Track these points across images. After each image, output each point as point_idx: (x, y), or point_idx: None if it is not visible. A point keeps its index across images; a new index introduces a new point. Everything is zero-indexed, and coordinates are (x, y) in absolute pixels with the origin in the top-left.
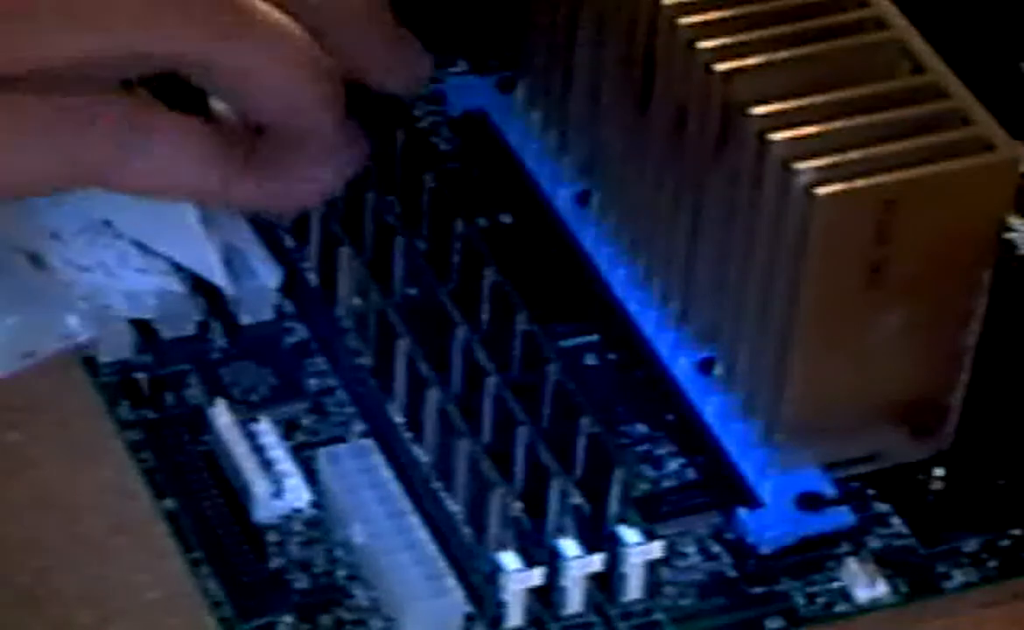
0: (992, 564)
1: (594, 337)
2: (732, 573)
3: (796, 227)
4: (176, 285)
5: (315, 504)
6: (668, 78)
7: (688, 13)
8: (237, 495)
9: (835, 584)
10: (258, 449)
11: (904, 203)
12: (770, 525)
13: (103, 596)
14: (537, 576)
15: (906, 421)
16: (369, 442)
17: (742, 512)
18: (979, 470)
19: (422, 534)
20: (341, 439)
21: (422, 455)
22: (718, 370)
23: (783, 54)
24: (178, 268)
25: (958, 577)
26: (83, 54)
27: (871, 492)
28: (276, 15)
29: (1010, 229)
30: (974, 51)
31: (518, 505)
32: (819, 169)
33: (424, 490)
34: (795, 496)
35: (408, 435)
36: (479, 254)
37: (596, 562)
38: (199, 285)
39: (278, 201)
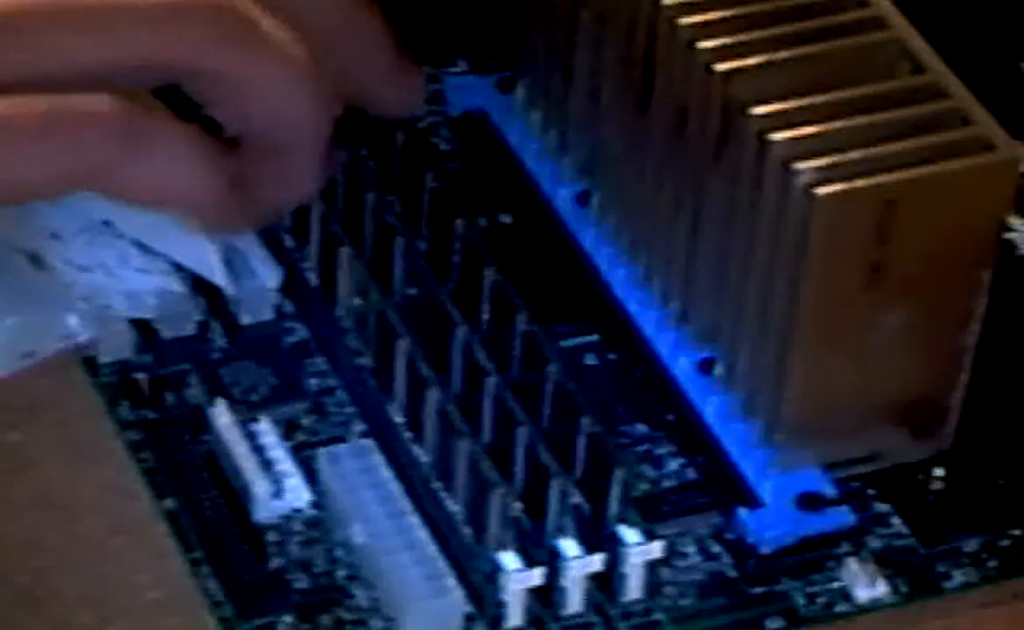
0: (992, 564)
1: (594, 337)
2: (732, 573)
3: (796, 227)
4: (176, 285)
5: (315, 504)
6: (668, 78)
7: (688, 13)
8: (237, 495)
9: (835, 584)
10: (258, 449)
11: (904, 203)
12: (770, 525)
13: (103, 596)
14: (537, 576)
15: (906, 421)
16: (369, 442)
17: (742, 512)
18: (979, 470)
19: (422, 534)
20: (341, 439)
21: (422, 455)
22: (718, 370)
23: (783, 54)
24: (178, 268)
25: (958, 577)
26: (84, 62)
27: (871, 492)
28: (280, 30)
29: (1010, 229)
30: (974, 51)
31: (518, 505)
32: (819, 169)
33: (424, 490)
34: (795, 496)
35: (408, 435)
36: (479, 254)
37: (596, 562)
38: (199, 285)
39: (245, 216)
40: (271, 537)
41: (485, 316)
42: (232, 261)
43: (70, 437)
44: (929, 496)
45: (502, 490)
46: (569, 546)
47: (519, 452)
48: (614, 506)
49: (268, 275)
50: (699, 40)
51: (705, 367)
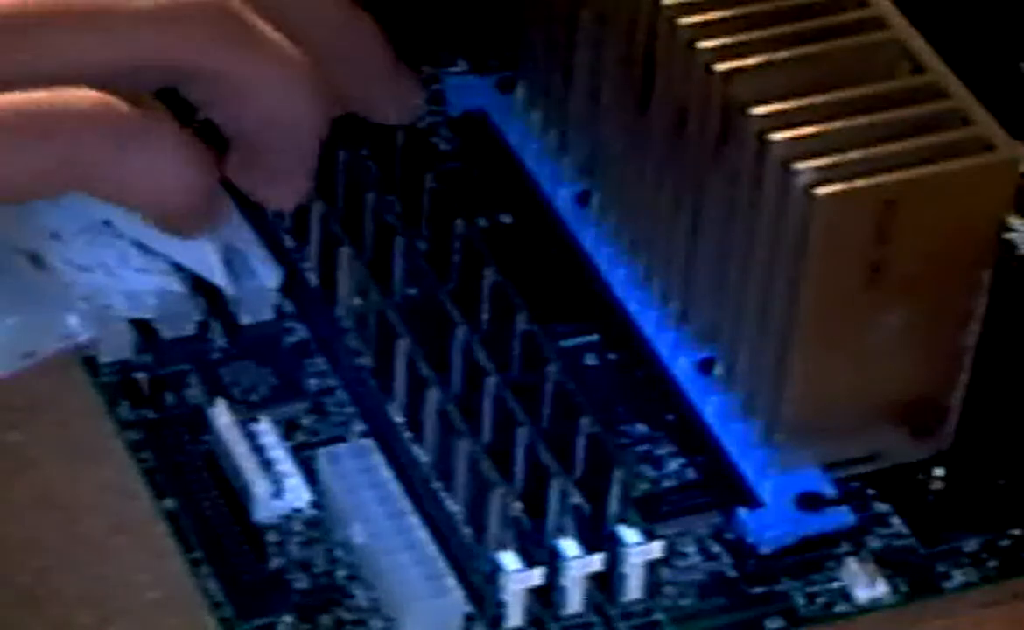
0: (992, 564)
1: (594, 337)
2: (732, 573)
3: (796, 227)
4: (176, 285)
5: (315, 504)
6: (668, 78)
7: (688, 13)
8: (237, 495)
9: (835, 584)
10: (258, 449)
11: (904, 203)
12: (770, 525)
13: (103, 596)
14: (537, 576)
15: (906, 421)
16: (369, 442)
17: (742, 512)
18: (979, 470)
19: (422, 534)
20: (341, 439)
21: (422, 455)
22: (718, 370)
23: (783, 54)
24: (178, 268)
25: (958, 577)
26: (84, 63)
27: (871, 492)
28: (279, 35)
29: (1010, 229)
30: (974, 51)
31: (518, 505)
32: (819, 169)
33: (424, 490)
34: (795, 496)
35: (408, 435)
36: (479, 254)
37: (596, 562)
38: (199, 285)
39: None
40: (271, 537)
41: (485, 316)
42: (232, 261)
43: (70, 437)
44: (929, 496)
45: (502, 490)
46: (569, 546)
47: (519, 452)
48: (614, 506)
49: (268, 275)
50: (699, 40)
51: (705, 367)
